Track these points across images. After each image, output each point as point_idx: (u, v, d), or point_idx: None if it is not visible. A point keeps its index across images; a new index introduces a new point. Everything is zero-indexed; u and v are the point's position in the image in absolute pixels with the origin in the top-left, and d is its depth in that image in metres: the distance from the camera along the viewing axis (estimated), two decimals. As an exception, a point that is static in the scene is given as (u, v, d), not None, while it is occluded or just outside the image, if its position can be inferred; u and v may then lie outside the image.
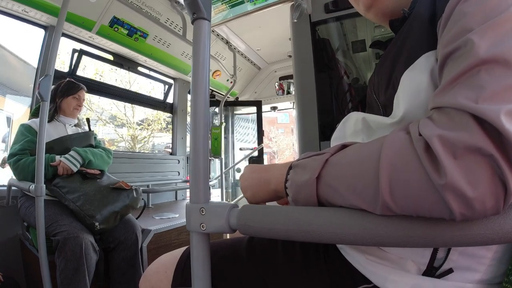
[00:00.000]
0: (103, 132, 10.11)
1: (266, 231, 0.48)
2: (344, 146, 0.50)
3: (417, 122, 0.40)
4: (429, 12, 0.52)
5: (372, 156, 0.41)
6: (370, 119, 0.61)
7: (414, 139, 0.38)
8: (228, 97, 3.96)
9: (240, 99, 4.50)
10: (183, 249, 0.80)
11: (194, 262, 0.54)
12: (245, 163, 4.31)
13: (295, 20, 1.69)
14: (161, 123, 10.74)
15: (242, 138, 5.05)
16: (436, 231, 0.38)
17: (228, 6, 2.38)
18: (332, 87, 1.77)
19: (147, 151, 10.68)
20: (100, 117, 9.92)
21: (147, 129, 10.79)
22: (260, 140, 4.45)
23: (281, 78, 4.16)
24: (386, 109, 0.60)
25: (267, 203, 0.65)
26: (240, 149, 4.68)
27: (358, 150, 0.46)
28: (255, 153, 4.33)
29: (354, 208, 0.44)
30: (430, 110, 0.41)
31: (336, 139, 0.71)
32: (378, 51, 1.67)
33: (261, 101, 4.46)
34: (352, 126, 0.66)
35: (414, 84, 0.51)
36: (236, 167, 4.53)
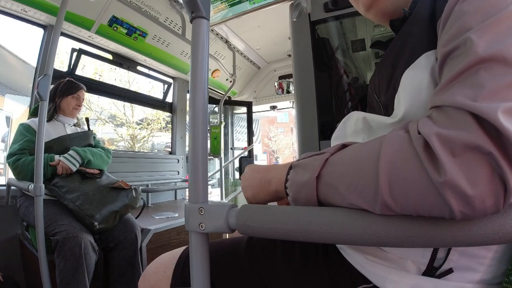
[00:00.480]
0: (102, 132, 10.11)
1: (266, 230, 0.48)
2: (344, 146, 0.50)
3: (416, 121, 0.40)
4: (429, 12, 0.52)
5: (372, 154, 0.41)
6: (371, 118, 0.61)
7: (413, 137, 0.38)
8: (227, 96, 3.96)
9: (239, 98, 4.49)
10: (182, 248, 0.80)
11: (193, 262, 0.54)
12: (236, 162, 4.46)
13: (294, 19, 1.68)
14: (160, 123, 10.74)
15: (242, 138, 5.06)
16: (436, 231, 0.37)
17: (228, 5, 2.38)
18: (331, 86, 1.77)
19: (147, 151, 10.69)
20: (100, 116, 9.92)
21: (147, 128, 10.80)
22: (250, 140, 4.56)
23: (281, 77, 4.14)
24: (387, 109, 0.60)
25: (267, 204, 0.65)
26: (231, 148, 4.72)
27: (358, 149, 0.46)
28: (246, 153, 4.46)
29: (354, 207, 0.43)
30: (429, 109, 0.40)
31: (336, 139, 0.70)
32: (377, 50, 1.66)
33: (251, 102, 4.50)
34: (353, 126, 0.66)
35: (414, 83, 0.51)
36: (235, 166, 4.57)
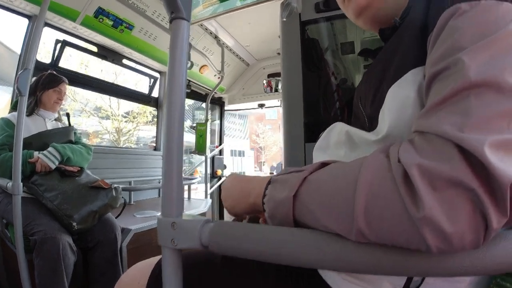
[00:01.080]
0: (87, 124, 9.93)
1: (238, 251, 0.45)
2: (323, 164, 0.48)
3: (398, 144, 0.38)
4: (421, 24, 0.50)
5: (350, 177, 0.39)
6: (354, 133, 0.59)
7: (393, 165, 0.35)
8: (215, 92, 3.91)
9: (228, 95, 4.45)
10: (158, 258, 0.77)
11: (165, 279, 0.51)
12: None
13: (284, 19, 1.66)
14: (147, 116, 10.61)
15: (231, 134, 5.05)
16: (411, 261, 0.36)
17: (219, 0, 2.34)
18: (319, 86, 1.76)
19: (132, 144, 10.56)
20: (85, 108, 9.75)
21: (133, 121, 10.65)
22: (221, 140, 4.65)
23: (270, 76, 4.11)
24: (372, 122, 0.58)
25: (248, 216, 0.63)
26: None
27: (336, 171, 0.44)
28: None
29: (329, 231, 0.41)
30: (412, 132, 0.38)
31: (319, 149, 0.69)
32: (366, 56, 1.65)
33: (224, 102, 4.56)
34: (336, 136, 0.64)
35: (400, 100, 0.49)
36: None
